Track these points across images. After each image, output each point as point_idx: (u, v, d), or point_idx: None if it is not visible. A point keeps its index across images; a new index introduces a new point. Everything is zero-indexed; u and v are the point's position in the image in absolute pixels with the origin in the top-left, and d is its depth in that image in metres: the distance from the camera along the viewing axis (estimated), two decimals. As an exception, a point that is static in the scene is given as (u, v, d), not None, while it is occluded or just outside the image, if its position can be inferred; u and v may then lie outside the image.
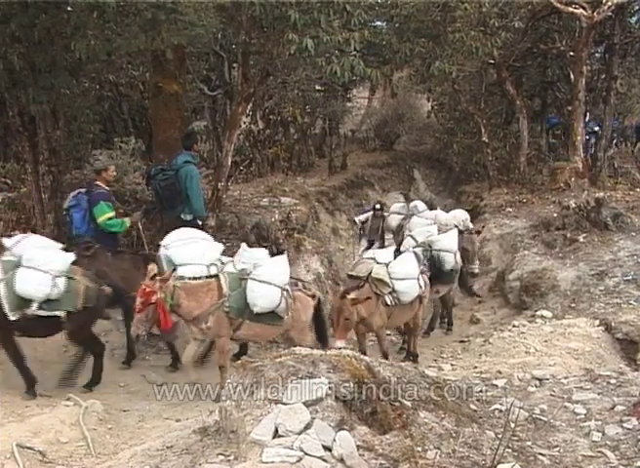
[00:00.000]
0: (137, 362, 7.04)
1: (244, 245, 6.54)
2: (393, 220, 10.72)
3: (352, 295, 6.45)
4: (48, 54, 7.78)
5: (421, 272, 7.48)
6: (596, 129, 14.61)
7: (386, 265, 7.05)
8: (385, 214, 11.23)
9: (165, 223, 8.34)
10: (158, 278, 5.79)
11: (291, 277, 6.51)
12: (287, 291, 6.22)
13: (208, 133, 14.79)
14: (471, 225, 10.26)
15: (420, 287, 7.32)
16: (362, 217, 11.52)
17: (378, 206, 11.51)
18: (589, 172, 13.14)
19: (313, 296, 6.68)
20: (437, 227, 9.12)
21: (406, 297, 7.10)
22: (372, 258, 7.25)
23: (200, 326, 6.04)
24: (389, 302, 6.98)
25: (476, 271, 9.66)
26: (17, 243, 6.05)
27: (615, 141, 15.04)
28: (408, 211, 10.60)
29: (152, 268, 5.98)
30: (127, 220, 7.45)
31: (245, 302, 6.06)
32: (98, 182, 7.36)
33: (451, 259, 8.37)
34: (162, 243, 6.45)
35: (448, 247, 8.42)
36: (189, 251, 6.23)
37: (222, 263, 6.37)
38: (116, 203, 7.54)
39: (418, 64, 13.37)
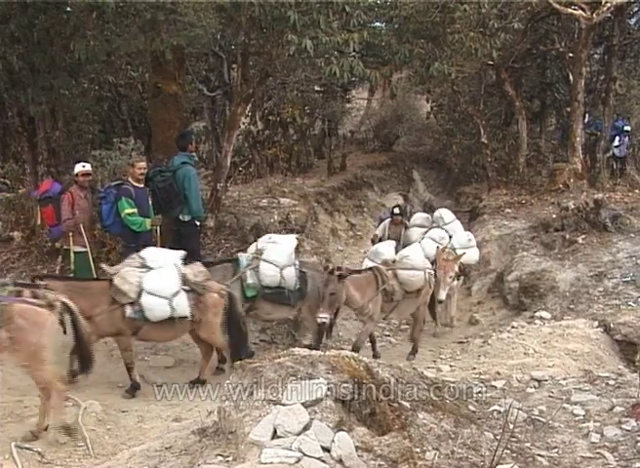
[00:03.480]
0: (136, 362, 7.02)
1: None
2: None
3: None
4: (47, 54, 7.80)
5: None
6: (626, 127, 14.60)
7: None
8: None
9: (163, 224, 8.33)
10: None
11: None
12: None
13: (207, 133, 14.78)
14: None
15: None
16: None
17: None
18: (588, 173, 13.15)
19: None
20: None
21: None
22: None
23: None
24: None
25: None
26: None
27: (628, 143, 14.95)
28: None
29: None
30: (147, 221, 7.48)
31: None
32: (129, 178, 7.47)
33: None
34: None
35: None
36: None
37: None
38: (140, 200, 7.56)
39: (417, 65, 13.33)
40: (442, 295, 8.00)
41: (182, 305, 6.00)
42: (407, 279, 7.50)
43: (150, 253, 6.26)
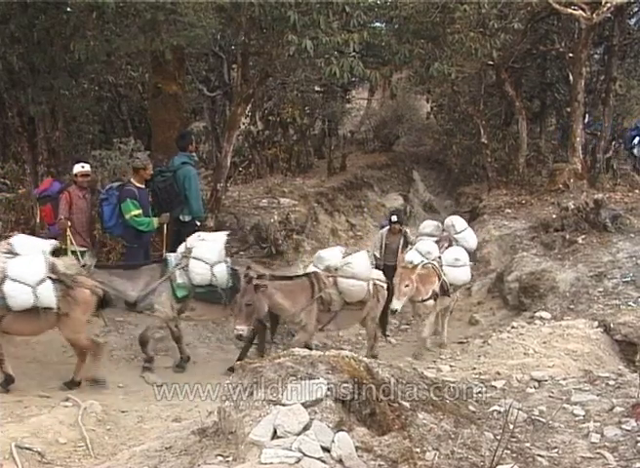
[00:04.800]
0: (136, 363, 7.05)
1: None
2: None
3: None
4: (47, 54, 7.80)
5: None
6: None
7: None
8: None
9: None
10: None
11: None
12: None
13: (207, 134, 14.78)
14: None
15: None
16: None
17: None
18: (588, 173, 13.15)
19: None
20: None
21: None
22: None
23: None
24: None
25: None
26: None
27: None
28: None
29: None
30: (155, 220, 7.50)
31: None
32: (132, 180, 7.47)
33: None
34: None
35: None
36: None
37: None
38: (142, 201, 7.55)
39: (417, 65, 13.33)
40: (395, 305, 7.17)
41: (47, 295, 5.69)
42: (346, 288, 6.93)
43: (19, 240, 5.98)
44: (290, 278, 7.07)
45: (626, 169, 14.90)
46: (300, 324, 6.80)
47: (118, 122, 13.67)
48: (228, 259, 6.97)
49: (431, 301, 7.70)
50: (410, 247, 8.46)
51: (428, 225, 9.10)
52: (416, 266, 7.31)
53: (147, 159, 7.90)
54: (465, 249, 8.54)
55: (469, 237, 8.83)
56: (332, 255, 7.21)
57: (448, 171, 18.01)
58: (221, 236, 7.05)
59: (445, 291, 7.87)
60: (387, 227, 8.99)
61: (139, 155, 8.13)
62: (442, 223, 8.94)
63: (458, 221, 8.84)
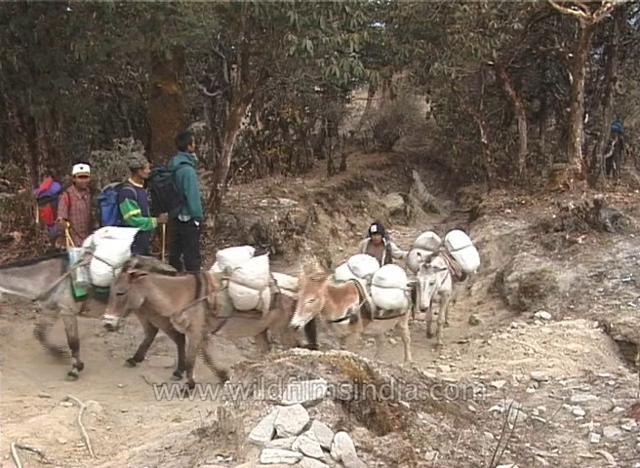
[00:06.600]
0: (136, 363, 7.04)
1: None
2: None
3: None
4: (47, 54, 7.79)
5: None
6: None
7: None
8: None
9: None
10: None
11: None
12: None
13: (207, 134, 14.80)
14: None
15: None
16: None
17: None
18: (588, 173, 13.15)
19: None
20: None
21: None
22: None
23: None
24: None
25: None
26: None
27: None
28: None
29: None
30: (153, 220, 7.49)
31: None
32: (130, 180, 7.48)
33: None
34: None
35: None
36: None
37: None
38: (141, 201, 7.50)
39: (417, 66, 13.39)
40: (295, 321, 6.06)
41: None
42: (234, 295, 6.28)
43: None
44: (173, 274, 6.53)
45: (626, 169, 14.92)
46: (184, 325, 6.28)
47: (118, 122, 13.68)
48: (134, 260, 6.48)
49: (346, 322, 6.64)
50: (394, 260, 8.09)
51: (423, 237, 8.70)
52: (323, 279, 6.35)
53: (144, 158, 7.91)
54: (462, 268, 8.28)
55: (467, 256, 8.34)
56: (233, 256, 6.53)
57: (448, 171, 18.03)
58: (129, 234, 6.53)
59: (367, 313, 6.79)
60: (368, 239, 8.47)
61: (134, 155, 8.13)
62: (436, 238, 8.58)
63: (456, 239, 8.39)
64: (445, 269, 7.82)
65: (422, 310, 7.89)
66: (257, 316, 6.48)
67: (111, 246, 6.33)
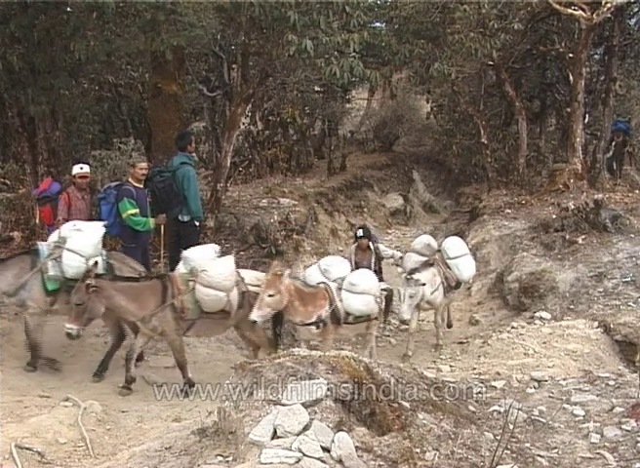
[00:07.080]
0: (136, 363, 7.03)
1: None
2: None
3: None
4: (47, 54, 7.80)
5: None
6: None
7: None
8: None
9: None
10: None
11: None
12: None
13: (207, 134, 14.81)
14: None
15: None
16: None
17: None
18: (588, 173, 13.15)
19: None
20: None
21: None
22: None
23: None
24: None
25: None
26: None
27: None
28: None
29: None
30: (151, 221, 7.49)
31: None
32: (130, 180, 7.48)
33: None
34: None
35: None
36: None
37: None
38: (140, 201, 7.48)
39: (417, 66, 13.36)
40: (253, 315, 5.94)
41: None
42: (201, 298, 6.15)
43: None
44: (137, 280, 6.36)
45: (627, 169, 14.91)
46: (156, 331, 6.21)
47: (118, 122, 13.69)
48: (104, 252, 6.54)
49: (314, 328, 6.45)
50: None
51: (418, 242, 8.38)
52: (281, 275, 6.12)
53: (139, 157, 7.92)
54: (457, 278, 8.12)
55: (462, 266, 8.13)
56: (198, 257, 6.32)
57: (448, 171, 18.02)
58: (99, 227, 6.49)
59: (337, 319, 6.59)
60: (354, 243, 8.20)
61: (133, 154, 8.13)
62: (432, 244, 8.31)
63: (453, 245, 8.20)
64: (424, 284, 7.53)
65: (402, 322, 7.85)
66: (225, 316, 6.39)
67: (83, 237, 6.28)
